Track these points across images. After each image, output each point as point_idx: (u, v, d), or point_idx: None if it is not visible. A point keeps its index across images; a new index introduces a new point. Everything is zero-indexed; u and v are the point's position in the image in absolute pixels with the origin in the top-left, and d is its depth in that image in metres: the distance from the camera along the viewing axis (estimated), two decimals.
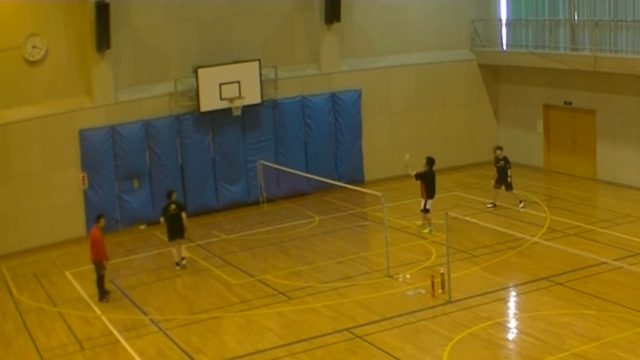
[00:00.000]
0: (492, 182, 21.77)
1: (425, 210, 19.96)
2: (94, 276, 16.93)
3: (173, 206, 18.42)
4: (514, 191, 21.64)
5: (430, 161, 20.05)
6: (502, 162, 21.54)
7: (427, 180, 19.97)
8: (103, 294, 16.79)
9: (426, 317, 14.72)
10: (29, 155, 20.66)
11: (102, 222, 17.03)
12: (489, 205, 21.77)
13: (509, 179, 21.39)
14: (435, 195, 20.17)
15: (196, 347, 14.11)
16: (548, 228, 19.62)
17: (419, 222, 20.41)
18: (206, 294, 16.81)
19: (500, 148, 22.06)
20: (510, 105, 26.91)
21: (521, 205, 21.45)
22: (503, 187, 21.54)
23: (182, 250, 18.52)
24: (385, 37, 25.50)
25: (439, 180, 24.61)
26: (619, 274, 15.76)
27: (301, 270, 17.87)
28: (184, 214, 18.43)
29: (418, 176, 19.95)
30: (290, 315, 15.33)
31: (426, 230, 19.94)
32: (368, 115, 25.13)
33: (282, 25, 24.05)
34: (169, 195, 18.72)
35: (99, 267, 16.69)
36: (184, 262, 18.49)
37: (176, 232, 18.35)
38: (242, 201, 23.63)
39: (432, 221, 19.84)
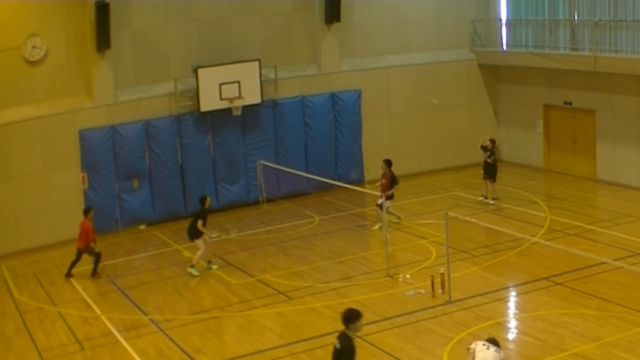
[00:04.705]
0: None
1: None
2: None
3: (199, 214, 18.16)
4: (495, 184, 22.13)
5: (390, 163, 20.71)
6: (488, 152, 22.12)
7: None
8: (95, 270, 18.25)
9: (426, 317, 14.72)
10: (29, 155, 20.67)
11: (92, 213, 18.59)
12: (481, 199, 22.15)
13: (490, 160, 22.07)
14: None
15: (196, 347, 14.11)
16: (548, 228, 19.62)
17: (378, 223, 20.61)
18: (206, 294, 16.81)
19: (493, 140, 22.49)
20: (510, 105, 26.91)
21: (492, 201, 21.87)
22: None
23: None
24: (385, 37, 25.50)
25: (438, 180, 24.74)
26: (619, 274, 15.75)
27: (301, 270, 17.87)
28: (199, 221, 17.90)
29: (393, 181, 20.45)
30: (290, 315, 15.32)
31: (377, 227, 20.25)
32: (368, 115, 25.13)
33: (282, 25, 24.05)
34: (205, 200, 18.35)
35: (90, 251, 18.20)
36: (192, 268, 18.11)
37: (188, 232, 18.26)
38: (242, 201, 23.63)
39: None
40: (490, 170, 22.11)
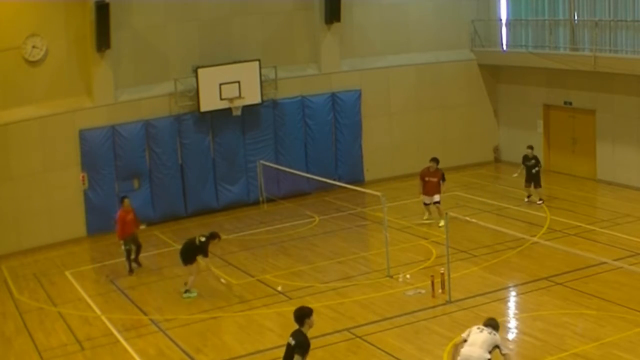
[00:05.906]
0: (520, 179, 22.34)
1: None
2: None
3: (202, 238, 16.49)
4: (541, 189, 22.08)
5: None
6: (532, 161, 21.93)
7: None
8: (130, 268, 18.33)
9: (426, 317, 14.72)
10: (29, 155, 20.67)
11: (126, 203, 18.48)
12: (526, 200, 22.14)
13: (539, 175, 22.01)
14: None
15: (196, 347, 14.12)
16: (548, 228, 19.63)
17: (428, 218, 20.93)
18: (206, 294, 16.79)
19: (532, 147, 22.25)
20: (510, 105, 26.91)
21: (539, 202, 21.83)
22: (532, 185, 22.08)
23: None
24: (385, 37, 25.50)
25: None
26: (619, 274, 15.75)
27: (301, 270, 17.87)
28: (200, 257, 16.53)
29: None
30: (290, 315, 15.16)
31: (442, 224, 20.30)
32: (368, 115, 25.13)
33: (282, 25, 24.05)
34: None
35: (124, 242, 18.31)
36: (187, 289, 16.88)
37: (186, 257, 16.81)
38: (242, 201, 23.63)
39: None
40: (535, 177, 21.86)
